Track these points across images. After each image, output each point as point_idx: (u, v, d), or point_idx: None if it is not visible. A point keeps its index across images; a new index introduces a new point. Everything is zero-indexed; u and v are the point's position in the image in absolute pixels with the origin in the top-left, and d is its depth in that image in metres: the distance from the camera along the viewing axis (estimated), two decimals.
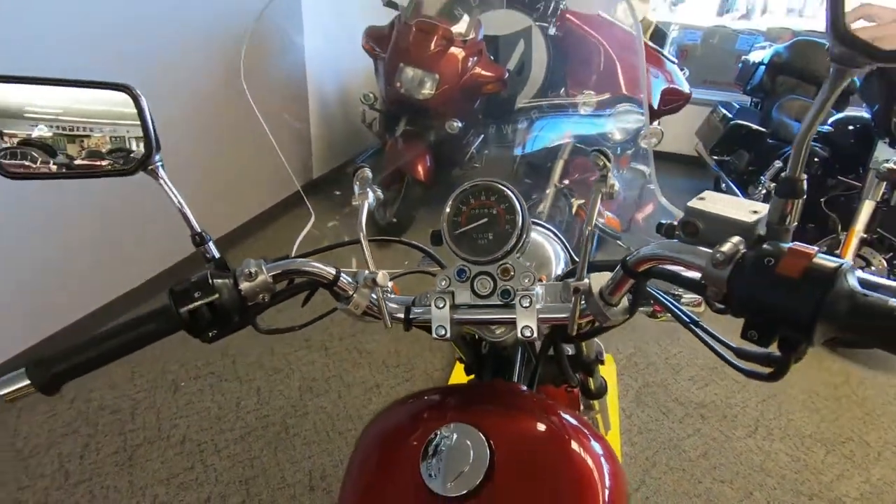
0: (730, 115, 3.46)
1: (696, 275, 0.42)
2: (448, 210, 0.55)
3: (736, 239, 0.38)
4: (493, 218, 0.55)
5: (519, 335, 0.52)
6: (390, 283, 0.56)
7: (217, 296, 0.50)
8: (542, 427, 0.55)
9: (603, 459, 0.52)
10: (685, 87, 2.70)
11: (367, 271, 0.54)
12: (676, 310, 0.48)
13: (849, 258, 2.15)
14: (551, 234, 0.75)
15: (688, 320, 0.47)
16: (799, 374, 2.14)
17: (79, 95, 0.58)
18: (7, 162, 0.53)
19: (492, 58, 2.77)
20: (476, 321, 0.55)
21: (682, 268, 0.44)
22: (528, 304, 0.51)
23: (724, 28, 4.39)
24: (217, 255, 0.55)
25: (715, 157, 3.47)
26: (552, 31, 2.61)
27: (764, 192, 2.84)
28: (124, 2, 2.00)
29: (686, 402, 1.96)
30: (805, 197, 0.37)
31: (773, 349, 0.38)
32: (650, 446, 1.76)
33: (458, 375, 1.56)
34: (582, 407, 1.01)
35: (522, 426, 0.54)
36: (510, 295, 0.53)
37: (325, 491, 1.57)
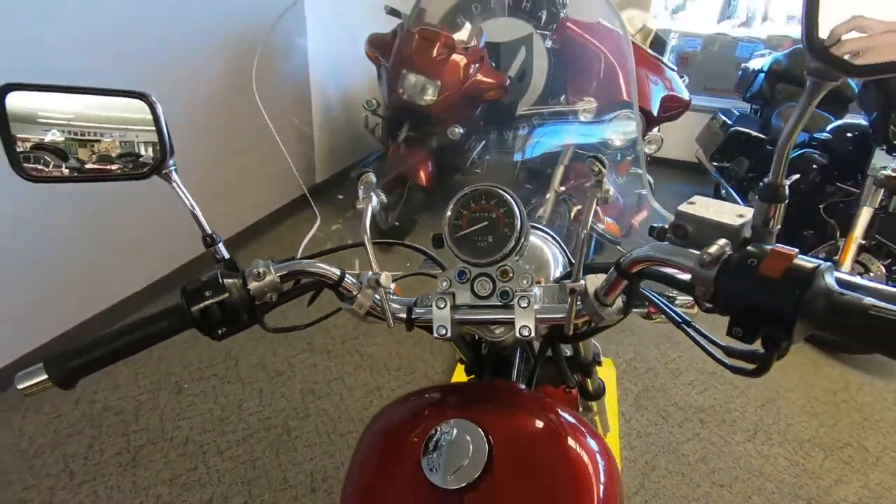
0: (730, 122, 3.49)
1: (686, 276, 0.44)
2: (449, 213, 0.57)
3: (722, 241, 0.40)
4: (493, 221, 0.57)
5: (517, 334, 0.53)
6: (393, 285, 0.58)
7: (227, 295, 0.52)
8: (539, 423, 0.56)
9: (598, 456, 0.54)
10: (685, 94, 2.73)
11: (370, 272, 0.56)
12: (668, 310, 0.50)
13: (847, 264, 2.17)
14: (550, 239, 0.77)
15: (679, 320, 0.49)
16: (798, 380, 2.14)
17: (93, 102, 0.60)
18: (28, 166, 0.55)
19: (493, 65, 2.80)
20: (476, 321, 0.57)
21: (673, 269, 0.46)
22: (526, 305, 0.53)
23: (724, 36, 4.42)
24: (227, 255, 0.57)
25: (715, 164, 3.49)
26: (548, 43, 2.64)
27: None
28: (126, 3, 2.03)
29: (685, 406, 1.97)
30: (787, 201, 0.39)
31: (759, 347, 0.40)
32: (649, 450, 1.77)
33: (459, 378, 1.57)
34: (580, 408, 1.02)
35: (520, 422, 0.56)
36: (509, 296, 0.55)
37: (327, 492, 1.58)
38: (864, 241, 2.18)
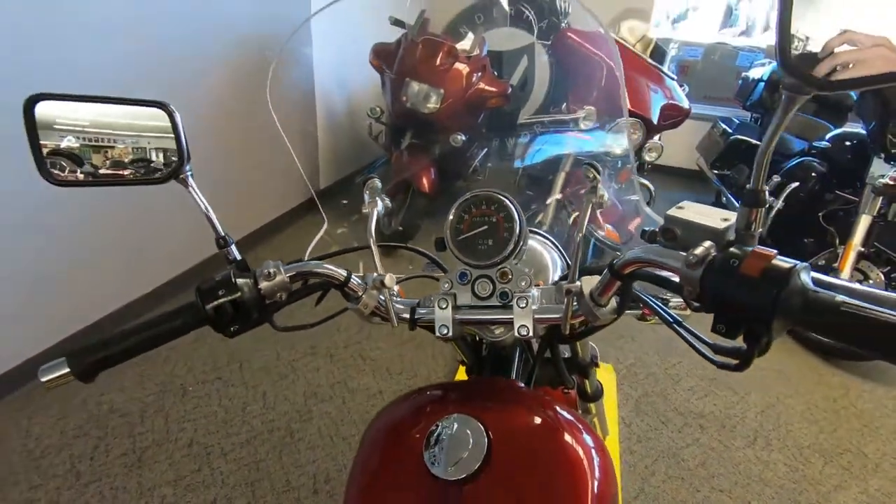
0: (730, 131, 3.52)
1: (675, 276, 0.46)
2: (451, 218, 0.60)
3: (707, 243, 0.42)
4: (493, 226, 0.59)
5: (516, 333, 0.56)
6: (396, 286, 0.60)
7: (239, 294, 0.54)
8: (537, 419, 0.58)
9: (594, 451, 0.56)
10: (684, 103, 2.76)
11: (375, 274, 0.59)
12: (659, 309, 0.52)
13: (846, 272, 2.19)
14: (550, 243, 0.80)
15: (670, 319, 0.51)
16: (798, 386, 2.15)
17: (110, 110, 0.63)
18: (54, 171, 0.58)
19: (495, 73, 2.84)
20: (476, 321, 0.59)
21: (662, 270, 0.49)
22: (524, 305, 0.56)
23: (724, 45, 4.46)
24: (239, 256, 0.60)
25: (716, 172, 3.52)
26: (544, 57, 2.68)
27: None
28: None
29: (685, 411, 1.99)
30: (767, 206, 0.42)
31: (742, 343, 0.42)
32: (649, 455, 1.78)
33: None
34: (579, 410, 1.04)
35: (519, 418, 0.58)
36: (508, 297, 0.57)
37: (329, 494, 1.60)
38: (863, 249, 2.21)
